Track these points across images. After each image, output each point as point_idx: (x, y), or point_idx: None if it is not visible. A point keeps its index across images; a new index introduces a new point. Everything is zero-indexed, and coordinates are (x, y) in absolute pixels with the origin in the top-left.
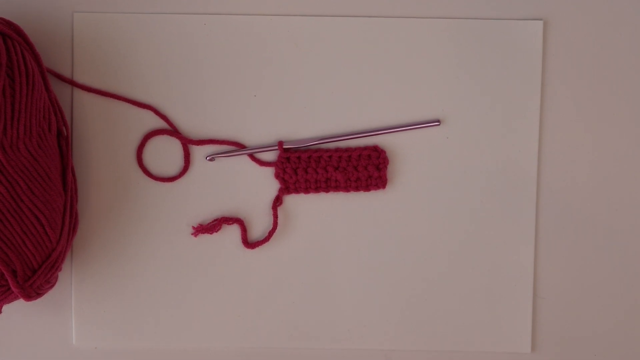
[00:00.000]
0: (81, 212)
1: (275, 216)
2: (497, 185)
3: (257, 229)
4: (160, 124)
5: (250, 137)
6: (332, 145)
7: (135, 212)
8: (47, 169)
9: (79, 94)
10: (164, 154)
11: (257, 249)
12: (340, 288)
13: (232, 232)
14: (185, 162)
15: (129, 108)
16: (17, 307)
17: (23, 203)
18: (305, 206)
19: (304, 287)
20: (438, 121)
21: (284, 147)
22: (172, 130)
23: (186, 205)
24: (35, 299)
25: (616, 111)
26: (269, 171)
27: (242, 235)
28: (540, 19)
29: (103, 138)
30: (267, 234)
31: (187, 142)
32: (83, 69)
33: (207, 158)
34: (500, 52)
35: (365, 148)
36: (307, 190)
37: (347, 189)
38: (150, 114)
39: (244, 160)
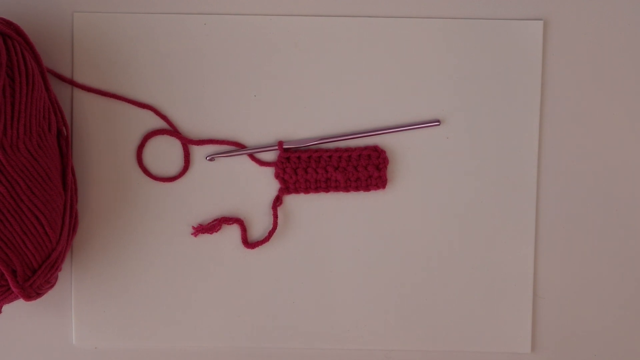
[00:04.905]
0: (81, 212)
1: (275, 216)
2: (497, 185)
3: (257, 229)
4: (160, 124)
5: (250, 137)
6: (332, 145)
7: (135, 212)
8: (47, 169)
9: (79, 94)
10: (164, 154)
11: (257, 249)
12: (340, 288)
13: (232, 232)
14: (185, 162)
15: (129, 108)
16: (17, 307)
17: (23, 203)
18: (305, 206)
19: (304, 287)
20: (438, 121)
21: (284, 147)
22: (172, 130)
23: (186, 205)
24: (35, 299)
25: (616, 111)
26: (269, 171)
27: (242, 235)
28: (540, 19)
29: (103, 138)
30: (267, 234)
31: (187, 142)
32: (83, 69)
33: (207, 158)
34: (500, 52)
35: (365, 148)
36: (307, 190)
37: (347, 189)
38: (150, 114)
39: (244, 160)
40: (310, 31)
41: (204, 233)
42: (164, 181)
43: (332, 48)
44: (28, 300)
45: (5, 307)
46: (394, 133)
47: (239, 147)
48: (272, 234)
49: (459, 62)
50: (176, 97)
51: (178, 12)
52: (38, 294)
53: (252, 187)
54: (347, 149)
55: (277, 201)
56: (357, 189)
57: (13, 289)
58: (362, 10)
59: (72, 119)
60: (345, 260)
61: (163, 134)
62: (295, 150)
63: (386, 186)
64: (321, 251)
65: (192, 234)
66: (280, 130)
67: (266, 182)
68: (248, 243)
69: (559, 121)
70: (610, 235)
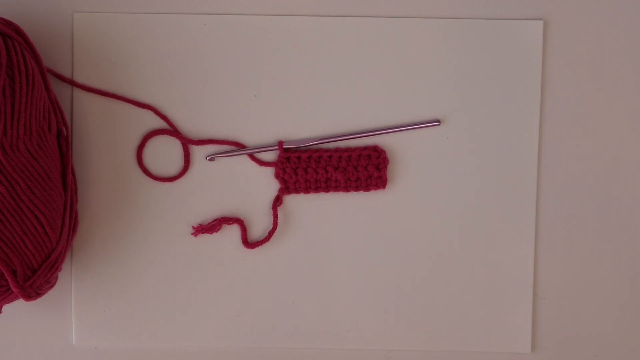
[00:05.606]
0: (81, 212)
1: (275, 216)
2: (497, 185)
3: (257, 229)
4: (160, 124)
5: (250, 137)
6: (332, 145)
7: (135, 212)
8: (47, 169)
9: (79, 94)
10: (164, 154)
11: (257, 249)
12: (340, 288)
13: (232, 232)
14: (185, 162)
15: (129, 108)
16: (17, 307)
17: (23, 203)
18: (305, 206)
19: (304, 287)
20: (438, 121)
21: (284, 147)
22: (172, 130)
23: (186, 205)
24: (35, 299)
25: (616, 111)
26: (269, 171)
27: (242, 235)
28: (540, 19)
29: (103, 138)
30: (267, 234)
31: (187, 142)
32: (83, 69)
33: (207, 158)
34: (500, 52)
35: (365, 148)
36: (307, 190)
37: (347, 189)
38: (150, 114)
39: (244, 160)
40: (310, 31)
41: (204, 233)
42: (164, 181)
43: (332, 48)
44: (28, 300)
45: (5, 307)
46: (394, 133)
47: (239, 147)
48: (272, 234)
49: (459, 62)
50: (176, 97)
51: (178, 12)
52: (38, 294)
53: (252, 187)
54: (347, 149)
55: (277, 201)
56: (357, 189)
57: (13, 289)
58: (362, 10)
59: (72, 119)
60: (345, 260)
61: (163, 134)
62: (295, 150)
63: (386, 186)
64: (321, 251)
65: (192, 234)
66: (280, 130)
67: (266, 182)
68: (248, 243)
69: (559, 121)
70: (610, 235)
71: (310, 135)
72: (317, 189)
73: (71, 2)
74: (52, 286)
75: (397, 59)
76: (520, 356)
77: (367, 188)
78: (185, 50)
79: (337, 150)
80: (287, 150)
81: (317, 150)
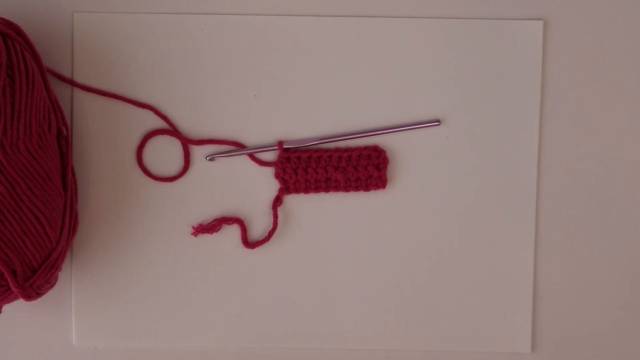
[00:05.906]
0: (81, 212)
1: (275, 216)
2: (497, 185)
3: (257, 229)
4: (160, 124)
5: (250, 137)
6: (332, 145)
7: (135, 212)
8: (47, 169)
9: (79, 94)
10: (164, 154)
11: (257, 249)
12: (340, 288)
13: (232, 232)
14: (185, 162)
15: (129, 108)
16: (17, 307)
17: (23, 203)
18: (305, 206)
19: (304, 287)
20: (438, 121)
21: (284, 147)
22: (172, 130)
23: (186, 205)
24: (35, 299)
25: (616, 111)
26: (269, 171)
27: (242, 235)
28: (540, 19)
29: (103, 138)
30: (267, 234)
31: (187, 142)
32: (83, 69)
33: (207, 158)
34: (500, 52)
35: (365, 148)
36: (307, 190)
37: (347, 189)
38: (150, 114)
39: (244, 160)
40: (310, 31)
41: (204, 233)
42: (164, 181)
43: (332, 48)
44: (28, 300)
45: (5, 307)
46: (394, 133)
47: (239, 147)
48: (272, 234)
49: (459, 62)
50: (176, 97)
51: (178, 12)
52: (38, 294)
53: (252, 187)
54: (347, 149)
55: (277, 201)
56: (357, 189)
57: (13, 289)
58: (362, 10)
59: (72, 119)
60: (345, 260)
61: (163, 134)
62: (295, 150)
63: (386, 186)
64: (321, 251)
65: (192, 234)
66: (280, 130)
67: (266, 182)
68: (248, 243)
69: (559, 121)
70: (610, 235)
71: (310, 135)
72: (317, 189)
73: (71, 2)
74: (52, 286)
75: (397, 59)
76: (520, 356)
77: (367, 188)
78: (185, 50)
79: (337, 150)
80: (287, 150)
81: (317, 150)
